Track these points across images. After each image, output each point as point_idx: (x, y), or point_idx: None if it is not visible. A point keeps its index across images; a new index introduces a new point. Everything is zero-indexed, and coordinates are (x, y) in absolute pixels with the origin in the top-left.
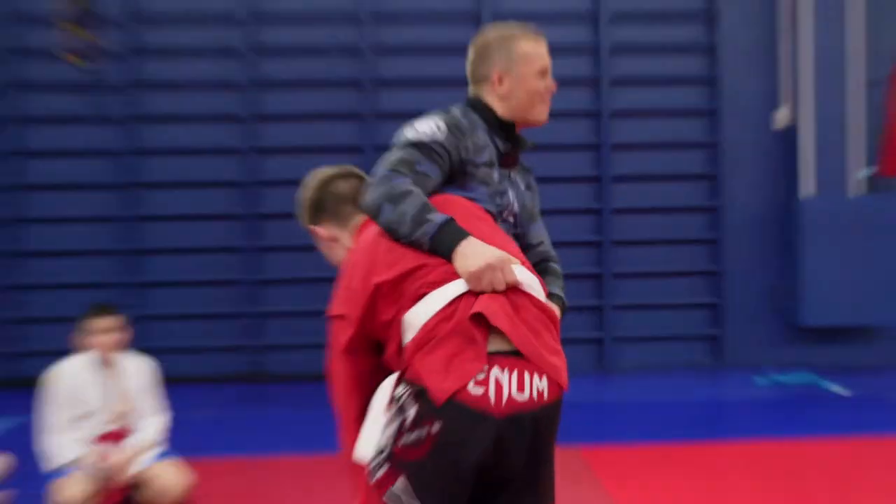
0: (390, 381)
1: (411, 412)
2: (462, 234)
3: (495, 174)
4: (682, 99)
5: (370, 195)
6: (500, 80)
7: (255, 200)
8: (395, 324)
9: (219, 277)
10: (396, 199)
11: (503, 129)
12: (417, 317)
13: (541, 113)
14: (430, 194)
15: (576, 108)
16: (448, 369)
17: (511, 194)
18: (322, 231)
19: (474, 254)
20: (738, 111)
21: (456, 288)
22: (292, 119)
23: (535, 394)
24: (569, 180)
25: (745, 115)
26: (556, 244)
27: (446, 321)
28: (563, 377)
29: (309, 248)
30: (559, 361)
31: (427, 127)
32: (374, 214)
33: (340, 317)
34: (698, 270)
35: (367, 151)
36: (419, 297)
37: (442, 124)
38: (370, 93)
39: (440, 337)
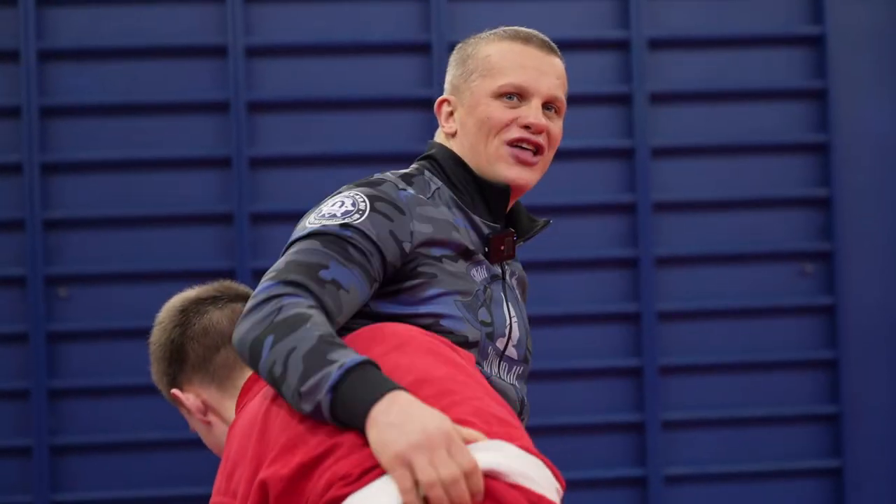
0: None
1: None
2: (383, 385)
3: (475, 272)
4: None
5: (242, 327)
6: (449, 106)
7: None
8: None
9: None
10: (281, 330)
11: (482, 191)
12: None
13: (502, 165)
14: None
15: None
16: None
17: (508, 309)
18: (188, 399)
19: (399, 420)
20: None
21: (386, 498)
22: None
23: None
24: None
25: None
26: None
27: None
28: None
29: None
30: None
31: (338, 206)
32: (251, 359)
33: None
34: (803, 414)
35: None
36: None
37: (364, 199)
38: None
39: None
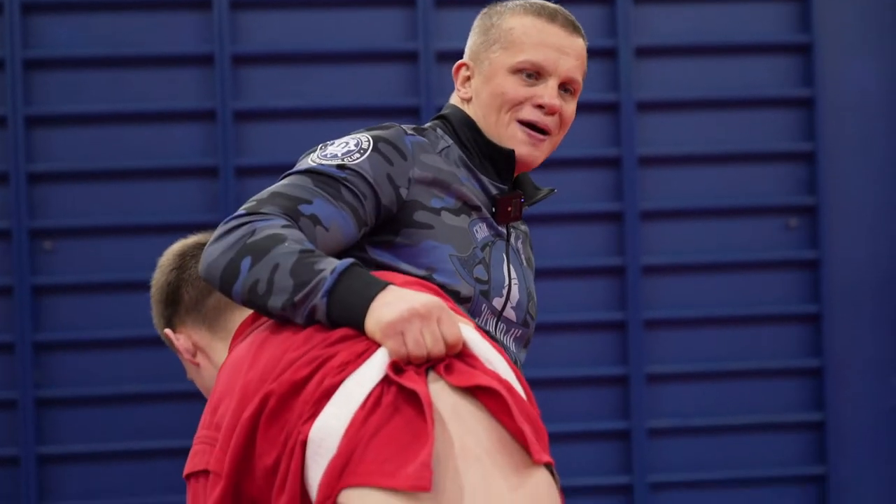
0: None
1: None
2: (378, 282)
3: (477, 229)
4: None
5: (211, 251)
6: (467, 71)
7: None
8: (286, 462)
9: None
10: (258, 250)
11: (492, 155)
12: (328, 426)
13: (511, 136)
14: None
15: None
16: (405, 457)
17: (508, 271)
18: (178, 339)
19: (395, 299)
20: None
21: (381, 360)
22: None
23: None
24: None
25: None
26: None
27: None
28: None
29: None
30: None
31: (342, 146)
32: (222, 282)
33: (200, 475)
34: (785, 367)
35: None
36: (322, 395)
37: (368, 139)
38: None
39: (376, 425)
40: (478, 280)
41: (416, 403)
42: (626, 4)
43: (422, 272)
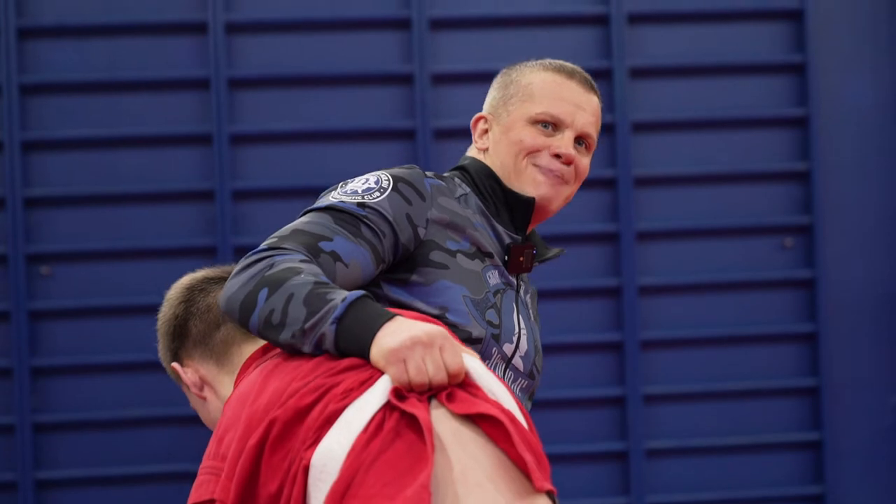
0: None
1: None
2: (386, 313)
3: (490, 275)
4: None
5: (231, 285)
6: (485, 124)
7: None
8: (289, 489)
9: None
10: (275, 282)
11: (510, 203)
12: (330, 451)
13: (529, 183)
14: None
15: None
16: (405, 481)
17: (518, 320)
18: (186, 372)
19: (400, 329)
20: None
21: (384, 387)
22: None
23: None
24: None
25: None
26: None
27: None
28: None
29: None
30: None
31: (362, 183)
32: (241, 314)
33: None
34: (782, 387)
35: None
36: (325, 422)
37: (388, 178)
38: None
39: (378, 449)
40: (489, 323)
41: (417, 429)
42: (621, 26)
43: (435, 311)
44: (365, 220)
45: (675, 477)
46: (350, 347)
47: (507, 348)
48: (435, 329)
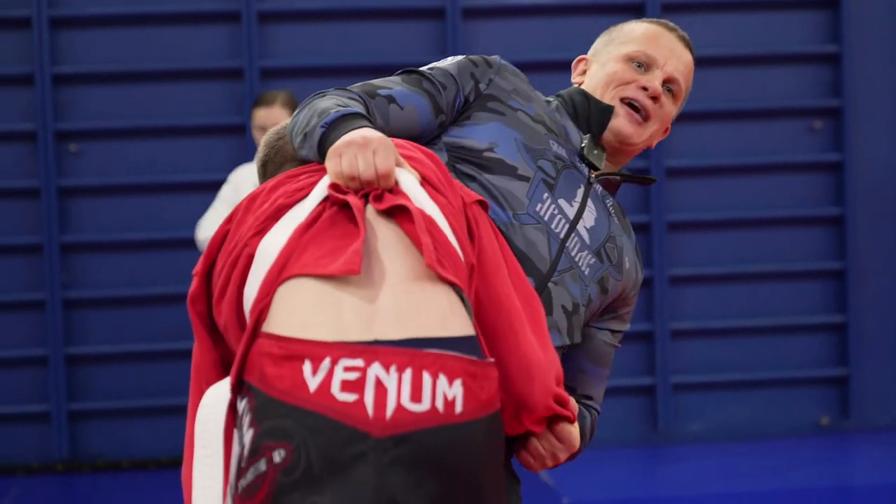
0: (223, 390)
1: (247, 435)
2: (360, 125)
3: (553, 144)
4: None
5: (292, 118)
6: (585, 64)
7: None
8: (228, 270)
9: None
10: (312, 103)
11: (591, 111)
12: (275, 242)
13: (618, 116)
14: (396, 135)
15: None
16: (338, 253)
17: (585, 198)
18: None
19: (353, 133)
20: None
21: (325, 183)
22: None
23: (440, 403)
24: None
25: None
26: None
27: (315, 222)
28: (489, 386)
29: None
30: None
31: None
32: (291, 133)
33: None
34: (808, 270)
35: None
36: (273, 213)
37: (464, 55)
38: None
39: (314, 234)
40: (541, 170)
41: (351, 217)
42: None
43: (484, 144)
44: (428, 75)
45: (700, 357)
46: (324, 151)
47: (566, 207)
48: (375, 134)
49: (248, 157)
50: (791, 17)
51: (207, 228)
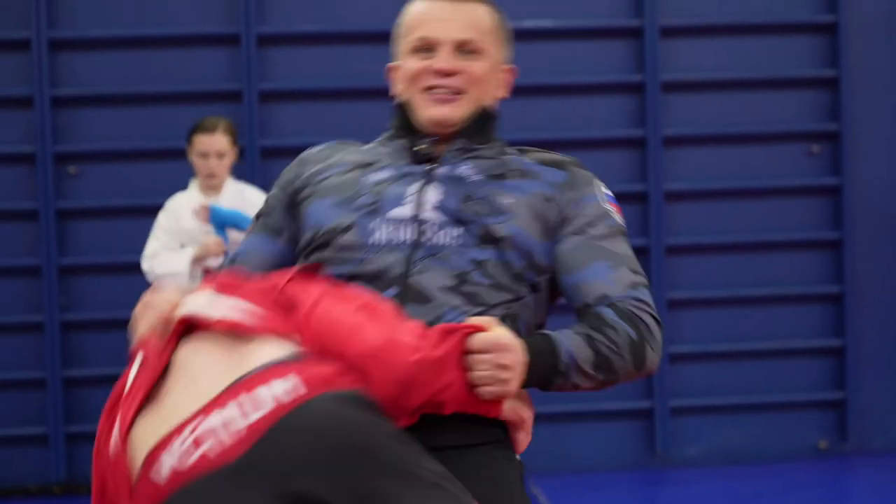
0: None
1: None
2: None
3: (371, 176)
4: None
5: None
6: (393, 73)
7: None
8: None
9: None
10: None
11: (405, 121)
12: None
13: (422, 105)
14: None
15: None
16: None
17: (421, 190)
18: None
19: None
20: None
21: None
22: None
23: (283, 397)
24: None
25: None
26: None
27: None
28: (326, 371)
29: None
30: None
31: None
32: None
33: None
34: (806, 293)
35: None
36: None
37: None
38: None
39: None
40: (359, 207)
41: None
42: None
43: (311, 232)
44: (259, 213)
45: (698, 381)
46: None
47: (398, 211)
48: (149, 298)
49: (246, 180)
50: (789, 42)
51: (151, 258)
